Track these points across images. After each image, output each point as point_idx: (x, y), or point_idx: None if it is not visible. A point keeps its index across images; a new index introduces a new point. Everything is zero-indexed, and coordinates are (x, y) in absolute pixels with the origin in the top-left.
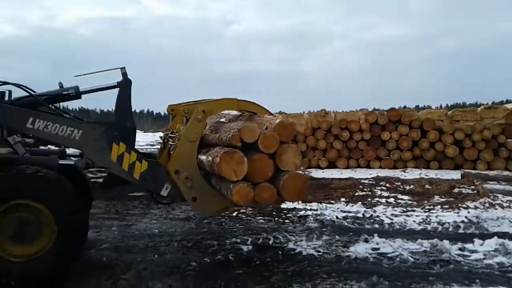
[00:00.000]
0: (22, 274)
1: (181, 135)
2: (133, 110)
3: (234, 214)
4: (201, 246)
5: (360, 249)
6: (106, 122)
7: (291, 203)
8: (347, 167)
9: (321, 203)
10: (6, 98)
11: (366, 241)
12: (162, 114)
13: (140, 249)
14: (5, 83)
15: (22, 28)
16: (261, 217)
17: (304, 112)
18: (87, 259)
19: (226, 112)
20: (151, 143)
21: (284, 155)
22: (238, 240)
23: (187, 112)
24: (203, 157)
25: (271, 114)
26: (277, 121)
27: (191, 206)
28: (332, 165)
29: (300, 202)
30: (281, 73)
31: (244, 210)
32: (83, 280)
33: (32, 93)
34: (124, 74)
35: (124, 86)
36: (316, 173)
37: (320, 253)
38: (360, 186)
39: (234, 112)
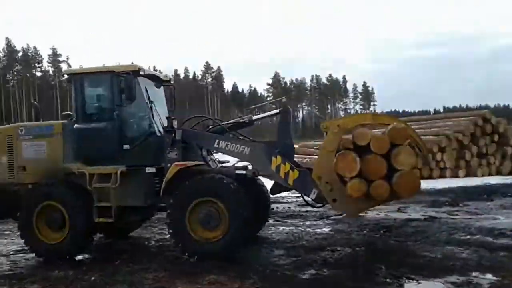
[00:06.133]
0: (210, 252)
1: (321, 147)
2: None
3: None
4: None
5: None
6: (268, 141)
7: None
8: None
9: None
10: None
11: None
12: None
13: None
14: (203, 118)
15: None
16: None
17: None
18: None
19: None
20: None
21: (400, 155)
22: None
23: (326, 127)
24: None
25: (403, 123)
26: (391, 126)
27: (332, 207)
28: None
29: None
30: None
31: None
32: None
33: (220, 123)
34: (284, 103)
35: (284, 112)
36: None
37: None
38: None
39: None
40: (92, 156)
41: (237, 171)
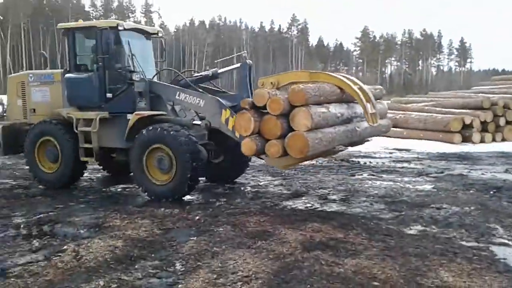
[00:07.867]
0: (162, 193)
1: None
2: None
3: None
4: None
5: None
6: (230, 94)
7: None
8: None
9: None
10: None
11: None
12: None
13: None
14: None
15: None
16: None
17: None
18: None
19: None
20: None
21: (296, 117)
22: None
23: (262, 85)
24: None
25: (343, 82)
26: (291, 88)
27: (265, 161)
28: None
29: None
30: None
31: None
32: None
33: (184, 76)
34: (244, 57)
35: (244, 66)
36: None
37: None
38: None
39: None
40: (80, 103)
41: (194, 122)
